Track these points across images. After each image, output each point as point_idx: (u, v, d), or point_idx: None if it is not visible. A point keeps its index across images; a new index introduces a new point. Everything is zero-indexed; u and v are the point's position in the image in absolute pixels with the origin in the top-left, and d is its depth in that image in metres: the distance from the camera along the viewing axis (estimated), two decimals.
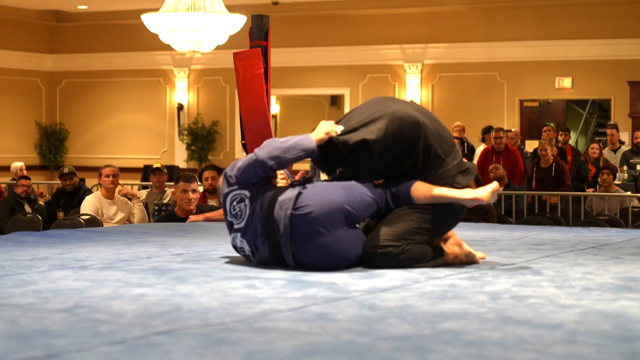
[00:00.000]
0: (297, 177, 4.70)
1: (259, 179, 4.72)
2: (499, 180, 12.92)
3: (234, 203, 4.75)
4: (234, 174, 4.79)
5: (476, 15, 18.77)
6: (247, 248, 4.72)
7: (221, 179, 4.98)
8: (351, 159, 4.76)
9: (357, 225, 4.67)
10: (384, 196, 4.73)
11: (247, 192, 4.72)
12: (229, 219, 4.78)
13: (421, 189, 4.71)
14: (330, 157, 4.81)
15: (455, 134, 15.56)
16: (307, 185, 4.63)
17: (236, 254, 5.12)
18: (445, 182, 4.74)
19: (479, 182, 4.99)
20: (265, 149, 4.72)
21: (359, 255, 4.61)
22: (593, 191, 12.85)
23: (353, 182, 4.69)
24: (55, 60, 22.01)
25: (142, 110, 21.40)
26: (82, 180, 12.96)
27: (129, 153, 21.27)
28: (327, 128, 4.76)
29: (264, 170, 4.69)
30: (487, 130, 15.64)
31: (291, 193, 4.58)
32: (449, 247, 4.79)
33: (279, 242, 4.56)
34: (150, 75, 21.25)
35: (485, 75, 18.73)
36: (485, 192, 4.74)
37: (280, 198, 4.58)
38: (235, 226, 4.74)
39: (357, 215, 4.61)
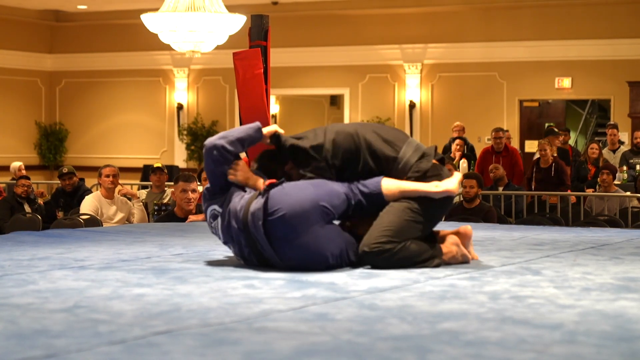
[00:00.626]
0: (267, 183, 4.69)
1: (221, 173, 4.73)
2: (499, 180, 12.92)
3: (211, 220, 4.77)
4: (206, 187, 4.84)
5: (476, 16, 18.77)
6: (238, 256, 4.74)
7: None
8: (301, 161, 4.83)
9: (335, 221, 4.69)
10: (353, 191, 4.73)
11: (217, 207, 4.73)
12: (213, 231, 4.82)
13: (391, 187, 4.74)
14: (277, 159, 4.92)
15: (455, 134, 15.58)
16: (275, 189, 4.59)
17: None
18: (409, 174, 4.78)
19: (443, 162, 5.01)
20: (214, 138, 4.82)
21: (342, 250, 4.58)
22: (593, 191, 12.85)
23: (320, 180, 4.70)
24: (55, 60, 22.01)
25: (141, 110, 21.41)
26: (82, 180, 12.95)
27: (128, 153, 21.27)
28: (275, 127, 4.95)
29: (219, 153, 4.72)
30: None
31: (260, 202, 4.55)
32: (447, 247, 4.79)
33: (261, 251, 4.57)
34: (150, 75, 21.26)
35: (485, 75, 18.73)
36: (453, 184, 4.78)
37: (252, 209, 4.55)
38: (220, 239, 4.78)
39: (332, 210, 4.59)
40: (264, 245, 4.52)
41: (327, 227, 4.57)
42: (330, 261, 4.53)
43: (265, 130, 4.88)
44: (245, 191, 4.68)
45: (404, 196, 4.73)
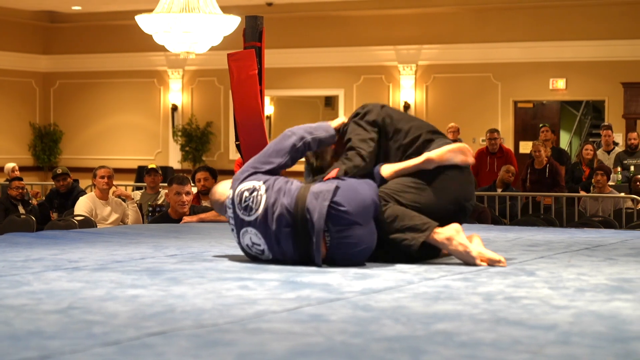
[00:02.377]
0: (331, 174, 4.79)
1: (285, 160, 4.85)
2: (506, 182, 12.90)
3: (245, 194, 4.73)
4: (254, 164, 4.86)
5: (470, 17, 18.79)
6: (262, 242, 4.70)
7: (218, 187, 5.01)
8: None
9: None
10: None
11: (258, 183, 4.74)
12: (238, 213, 4.74)
13: (389, 171, 4.90)
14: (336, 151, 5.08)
15: (450, 136, 15.58)
16: (341, 181, 4.70)
17: (229, 254, 5.12)
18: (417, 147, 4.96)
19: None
20: (297, 130, 4.94)
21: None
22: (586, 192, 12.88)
23: (363, 179, 4.83)
24: (49, 61, 21.99)
25: (136, 111, 21.40)
26: (76, 181, 12.95)
27: (123, 154, 21.26)
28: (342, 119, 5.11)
29: (303, 147, 4.89)
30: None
31: (328, 186, 4.62)
32: (451, 241, 4.73)
33: (309, 232, 4.57)
34: (145, 76, 21.25)
35: (480, 77, 18.75)
36: (435, 152, 4.89)
37: (314, 189, 4.62)
38: (247, 219, 4.72)
39: (378, 205, 4.73)
40: (317, 226, 4.54)
41: (373, 222, 4.70)
42: (369, 254, 4.69)
43: (334, 124, 5.06)
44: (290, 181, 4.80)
45: (400, 174, 4.89)
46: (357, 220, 4.58)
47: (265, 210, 4.66)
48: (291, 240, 4.62)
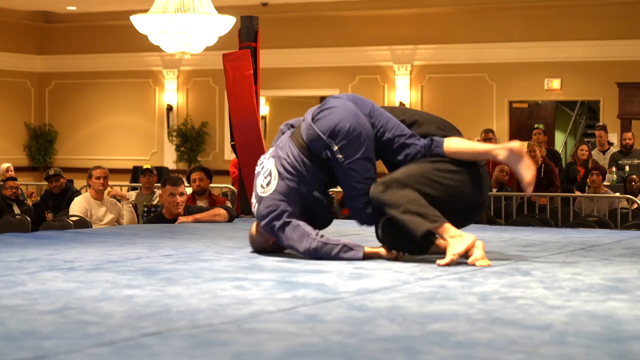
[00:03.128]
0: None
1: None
2: (501, 183, 12.90)
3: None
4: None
5: (465, 17, 18.79)
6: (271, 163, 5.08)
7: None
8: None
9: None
10: None
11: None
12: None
13: (450, 146, 5.00)
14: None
15: None
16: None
17: (224, 255, 5.12)
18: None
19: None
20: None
21: None
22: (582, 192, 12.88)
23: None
24: (44, 62, 21.96)
25: (131, 111, 21.38)
26: (70, 181, 12.92)
27: (118, 154, 21.24)
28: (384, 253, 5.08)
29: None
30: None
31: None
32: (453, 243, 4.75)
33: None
34: (140, 77, 21.23)
35: (475, 77, 18.75)
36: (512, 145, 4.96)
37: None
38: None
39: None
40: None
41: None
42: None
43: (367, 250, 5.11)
44: None
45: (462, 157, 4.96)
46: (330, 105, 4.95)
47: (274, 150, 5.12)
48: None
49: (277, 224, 4.97)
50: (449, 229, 4.74)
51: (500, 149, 4.94)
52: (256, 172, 5.14)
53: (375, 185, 4.88)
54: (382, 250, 4.98)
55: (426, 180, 4.84)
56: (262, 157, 5.22)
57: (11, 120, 21.48)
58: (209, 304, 3.53)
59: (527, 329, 3.09)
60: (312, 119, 4.96)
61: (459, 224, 4.88)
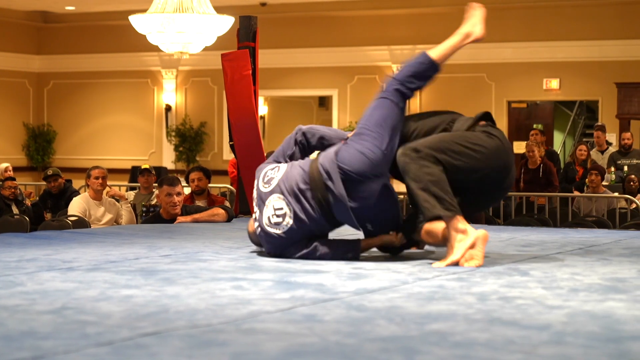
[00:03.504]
0: None
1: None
2: None
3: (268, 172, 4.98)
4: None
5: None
6: (284, 204, 4.86)
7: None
8: None
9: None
10: None
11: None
12: (260, 188, 4.98)
13: (436, 52, 5.70)
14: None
15: None
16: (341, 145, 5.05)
17: (223, 255, 5.12)
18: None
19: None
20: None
21: None
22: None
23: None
24: (42, 61, 21.96)
25: (130, 111, 21.38)
26: (69, 181, 12.92)
27: (116, 154, 21.24)
28: None
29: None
30: None
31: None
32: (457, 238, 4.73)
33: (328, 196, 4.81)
34: (138, 77, 21.23)
35: (473, 77, 18.76)
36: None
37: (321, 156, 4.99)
38: (267, 190, 4.94)
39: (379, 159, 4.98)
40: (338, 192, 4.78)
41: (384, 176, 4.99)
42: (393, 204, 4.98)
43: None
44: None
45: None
46: (365, 174, 4.77)
47: (286, 173, 4.90)
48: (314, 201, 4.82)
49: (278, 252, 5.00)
50: (457, 223, 4.65)
51: (471, 27, 5.50)
52: (262, 179, 4.99)
53: (406, 149, 4.80)
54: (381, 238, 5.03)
55: (457, 152, 4.80)
56: (270, 165, 5.05)
57: (10, 120, 21.48)
58: (208, 304, 3.53)
59: (525, 329, 3.09)
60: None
61: (484, 205, 5.03)
